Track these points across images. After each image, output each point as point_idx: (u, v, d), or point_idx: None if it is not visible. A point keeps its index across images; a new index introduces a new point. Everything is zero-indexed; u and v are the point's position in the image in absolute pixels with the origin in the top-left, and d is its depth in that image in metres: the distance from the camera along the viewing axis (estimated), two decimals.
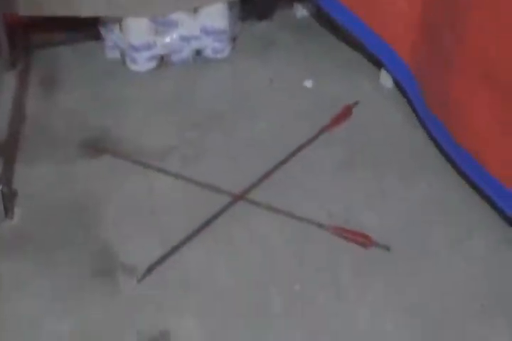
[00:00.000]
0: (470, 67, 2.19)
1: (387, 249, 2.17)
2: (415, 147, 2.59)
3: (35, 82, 2.86)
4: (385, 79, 2.87)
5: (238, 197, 2.32)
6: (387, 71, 2.83)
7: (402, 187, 2.42)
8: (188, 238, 2.18)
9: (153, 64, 2.94)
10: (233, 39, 3.08)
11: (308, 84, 2.88)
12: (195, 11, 2.86)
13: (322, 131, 2.61)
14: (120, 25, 2.86)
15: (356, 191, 2.40)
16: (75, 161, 2.48)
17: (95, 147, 2.53)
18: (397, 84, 2.82)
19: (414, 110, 2.68)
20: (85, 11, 2.74)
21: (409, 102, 2.71)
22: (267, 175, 2.41)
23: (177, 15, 2.84)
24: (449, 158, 2.45)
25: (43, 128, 2.62)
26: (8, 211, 2.25)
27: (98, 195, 2.35)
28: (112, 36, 2.93)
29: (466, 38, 2.18)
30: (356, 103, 2.75)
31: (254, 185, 2.37)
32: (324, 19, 3.14)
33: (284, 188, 2.39)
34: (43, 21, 2.80)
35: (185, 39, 2.90)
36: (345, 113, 2.70)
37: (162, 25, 2.85)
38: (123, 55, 2.96)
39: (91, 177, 2.43)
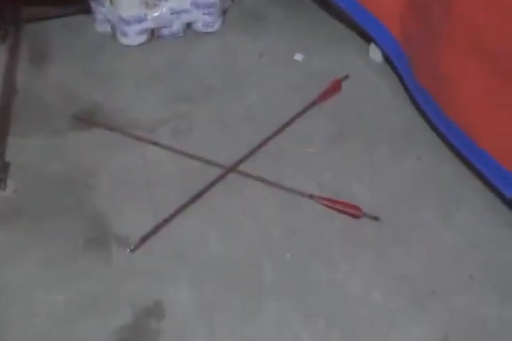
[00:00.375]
0: (458, 39, 2.20)
1: (377, 219, 2.20)
2: (405, 121, 2.61)
3: (26, 56, 2.84)
4: (375, 54, 2.88)
5: (230, 169, 2.34)
6: (377, 45, 2.84)
7: (393, 160, 2.44)
8: (181, 209, 2.20)
9: (143, 37, 2.93)
10: (223, 13, 3.07)
11: (299, 58, 2.89)
12: None
13: (312, 104, 2.62)
14: None
15: (347, 164, 2.42)
16: (66, 134, 2.49)
17: (87, 120, 2.54)
18: (386, 58, 2.83)
19: (403, 84, 2.69)
20: None
21: (399, 76, 2.72)
22: (258, 147, 2.43)
23: None
24: (438, 132, 2.47)
25: (34, 102, 2.61)
26: (0, 182, 2.26)
27: (90, 167, 2.37)
28: (102, 10, 2.92)
29: (455, 8, 2.18)
30: (346, 77, 2.76)
31: (245, 157, 2.39)
32: None
33: (276, 160, 2.42)
34: None
35: (175, 12, 2.89)
36: (335, 87, 2.71)
37: None
38: (113, 28, 2.94)
39: (83, 149, 2.44)
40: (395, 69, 2.76)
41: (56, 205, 2.24)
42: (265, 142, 2.45)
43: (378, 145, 2.50)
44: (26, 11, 2.98)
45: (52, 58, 2.84)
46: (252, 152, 2.41)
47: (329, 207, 2.23)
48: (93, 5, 2.94)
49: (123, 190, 2.29)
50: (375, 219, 2.20)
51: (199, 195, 2.24)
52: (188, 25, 3.00)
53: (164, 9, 2.87)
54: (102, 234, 2.15)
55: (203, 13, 2.94)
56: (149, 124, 2.54)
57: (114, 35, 2.95)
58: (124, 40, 2.93)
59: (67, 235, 2.15)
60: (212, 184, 2.29)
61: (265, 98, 2.69)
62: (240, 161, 2.37)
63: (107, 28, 2.98)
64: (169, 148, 2.42)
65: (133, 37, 2.91)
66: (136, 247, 2.09)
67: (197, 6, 2.91)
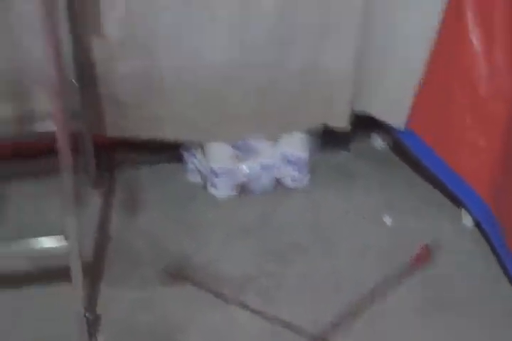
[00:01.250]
0: None
1: None
2: (499, 293, 2.54)
3: (119, 202, 2.92)
4: (466, 219, 2.86)
5: (317, 339, 2.31)
6: (467, 210, 2.84)
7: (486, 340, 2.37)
8: None
9: (233, 190, 2.99)
10: (312, 168, 3.12)
11: (388, 221, 2.88)
12: (276, 139, 2.94)
13: (402, 275, 2.58)
14: (202, 150, 2.94)
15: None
16: (156, 286, 2.51)
17: (176, 274, 2.56)
18: (478, 224, 2.81)
19: (495, 251, 2.65)
20: (168, 135, 2.84)
21: (491, 244, 2.69)
22: (346, 314, 2.40)
23: (258, 143, 2.94)
24: None
25: (126, 251, 2.65)
26: (91, 337, 2.27)
27: (178, 324, 2.36)
28: (193, 160, 3.01)
29: None
30: (436, 244, 2.72)
31: (333, 326, 2.35)
32: (403, 152, 3.16)
33: (364, 330, 2.37)
34: (127, 142, 2.89)
35: (265, 167, 2.96)
36: (425, 254, 2.67)
37: (243, 151, 2.93)
38: (204, 179, 3.01)
39: (171, 304, 2.44)
40: (486, 235, 2.72)
41: None
42: (354, 311, 2.42)
43: (470, 321, 2.41)
44: (120, 157, 3.10)
45: (143, 205, 2.90)
46: (340, 319, 2.38)
47: None
48: (185, 155, 3.04)
49: None
50: None
51: None
52: (277, 180, 3.05)
53: (254, 164, 2.94)
54: None
55: (293, 169, 3.00)
56: (237, 281, 2.54)
57: (204, 186, 3.02)
58: (214, 192, 2.98)
59: None
60: None
61: (352, 258, 2.68)
62: (327, 331, 2.33)
63: (198, 179, 3.05)
64: (256, 311, 2.41)
65: (223, 189, 2.97)
66: None
67: (287, 161, 2.97)
